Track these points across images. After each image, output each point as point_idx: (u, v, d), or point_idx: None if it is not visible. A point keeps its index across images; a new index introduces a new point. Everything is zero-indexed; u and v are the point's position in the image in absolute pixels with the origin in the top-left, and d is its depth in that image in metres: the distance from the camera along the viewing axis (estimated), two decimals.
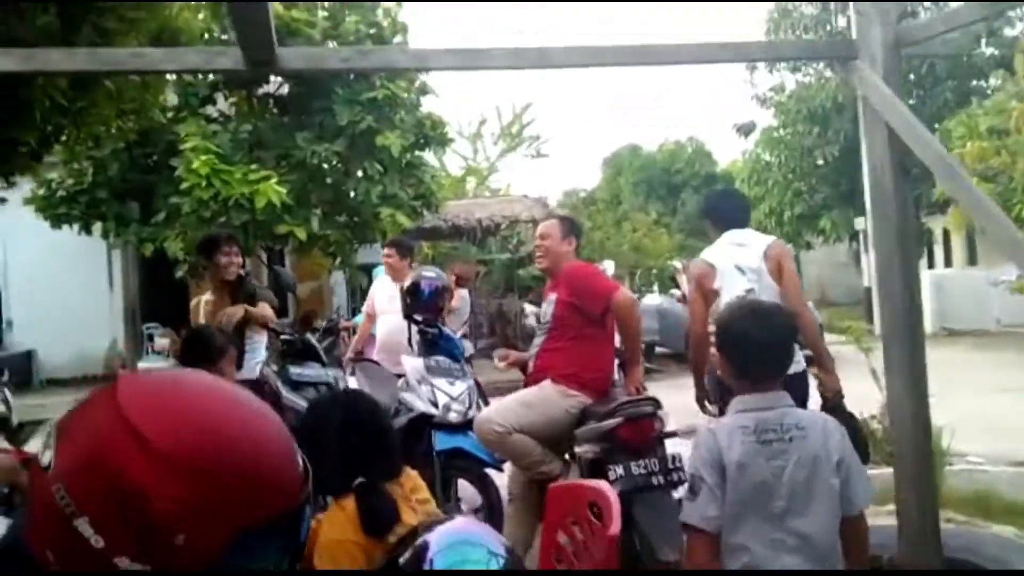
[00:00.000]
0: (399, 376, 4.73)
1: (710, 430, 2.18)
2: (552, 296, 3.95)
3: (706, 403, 3.90)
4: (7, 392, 5.25)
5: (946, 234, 20.71)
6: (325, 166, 11.45)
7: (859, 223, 16.72)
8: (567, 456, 3.84)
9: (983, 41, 16.39)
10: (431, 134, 12.05)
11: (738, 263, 3.75)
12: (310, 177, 11.05)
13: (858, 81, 2.48)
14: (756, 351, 2.16)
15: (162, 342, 12.82)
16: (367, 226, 11.72)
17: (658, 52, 2.70)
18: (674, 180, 23.70)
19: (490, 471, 4.36)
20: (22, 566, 0.99)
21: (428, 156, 13.01)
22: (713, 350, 2.53)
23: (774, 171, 17.83)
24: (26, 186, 11.20)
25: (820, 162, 17.62)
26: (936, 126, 16.12)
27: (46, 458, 0.94)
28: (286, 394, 4.45)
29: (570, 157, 56.22)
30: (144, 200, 10.95)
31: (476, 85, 53.83)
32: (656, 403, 3.52)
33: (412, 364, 4.62)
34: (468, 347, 7.29)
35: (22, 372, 13.72)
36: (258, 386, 4.52)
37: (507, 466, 4.11)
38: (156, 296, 15.02)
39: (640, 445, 3.37)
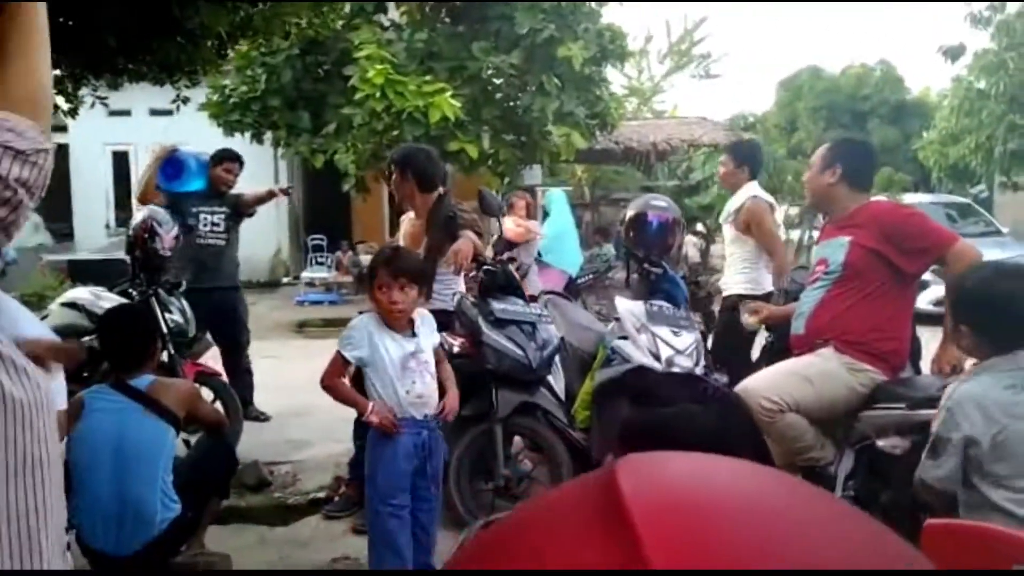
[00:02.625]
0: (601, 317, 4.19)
1: (977, 403, 2.11)
2: (843, 238, 3.11)
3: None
4: (184, 302, 4.97)
5: None
6: (497, 80, 10.77)
7: None
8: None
9: None
10: (610, 47, 11.08)
11: None
12: (482, 91, 10.41)
13: None
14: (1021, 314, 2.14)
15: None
16: (535, 146, 11.02)
17: None
18: (860, 107, 21.33)
19: None
20: None
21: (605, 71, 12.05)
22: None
23: (989, 100, 15.60)
24: (201, 93, 11.20)
25: None
26: None
27: None
28: (487, 331, 3.86)
29: (739, 78, 51.47)
30: (314, 110, 10.67)
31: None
32: None
33: (630, 307, 3.96)
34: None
35: None
36: (451, 318, 4.04)
37: None
38: (320, 208, 15.04)
39: None
